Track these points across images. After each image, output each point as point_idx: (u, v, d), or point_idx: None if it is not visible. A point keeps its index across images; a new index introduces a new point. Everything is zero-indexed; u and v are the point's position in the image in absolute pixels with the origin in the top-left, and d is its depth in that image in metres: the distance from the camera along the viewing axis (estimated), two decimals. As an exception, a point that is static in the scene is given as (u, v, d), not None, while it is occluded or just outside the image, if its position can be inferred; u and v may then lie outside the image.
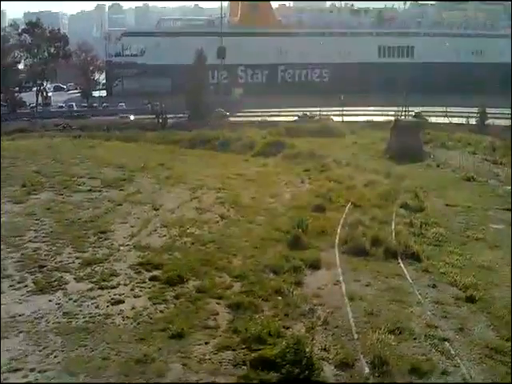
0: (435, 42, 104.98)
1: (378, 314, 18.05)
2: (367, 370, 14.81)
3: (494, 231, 27.01)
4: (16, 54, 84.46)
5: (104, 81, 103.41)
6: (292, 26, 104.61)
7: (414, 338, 16.66)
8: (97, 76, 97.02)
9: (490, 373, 15.22)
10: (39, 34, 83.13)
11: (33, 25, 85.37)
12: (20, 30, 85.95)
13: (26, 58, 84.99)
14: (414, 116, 62.55)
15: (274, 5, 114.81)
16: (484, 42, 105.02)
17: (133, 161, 37.85)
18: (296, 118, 71.83)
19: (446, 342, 16.51)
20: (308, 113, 74.53)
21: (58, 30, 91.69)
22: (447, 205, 31.51)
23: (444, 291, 20.18)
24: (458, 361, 15.55)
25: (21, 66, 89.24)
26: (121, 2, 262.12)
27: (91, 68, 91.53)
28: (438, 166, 43.39)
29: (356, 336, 16.54)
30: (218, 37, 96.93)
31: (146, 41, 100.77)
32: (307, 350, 14.77)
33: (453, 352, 16.00)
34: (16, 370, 14.41)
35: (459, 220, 28.83)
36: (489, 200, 33.10)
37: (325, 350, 15.78)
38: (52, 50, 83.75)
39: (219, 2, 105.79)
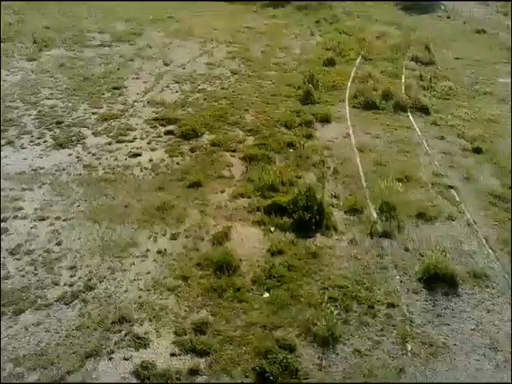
0: None
1: (387, 163, 18.69)
2: (375, 215, 15.64)
3: (503, 85, 27.03)
4: None
5: None
6: None
7: (421, 187, 17.39)
8: None
9: (493, 218, 16.01)
10: None
11: None
12: None
13: None
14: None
15: None
16: None
17: (141, 13, 37.17)
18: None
19: (452, 190, 17.28)
20: None
21: None
22: (457, 58, 31.28)
23: (452, 142, 20.68)
24: (463, 207, 16.33)
25: None
26: None
27: None
28: (449, 18, 42.44)
29: (365, 184, 17.27)
30: None
31: None
32: (318, 197, 15.56)
33: (458, 199, 16.79)
34: (42, 219, 15.23)
35: (468, 73, 28.74)
36: (498, 53, 32.77)
37: (335, 197, 16.55)
38: None
39: None
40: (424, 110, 23.26)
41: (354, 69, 28.32)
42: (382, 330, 11.75)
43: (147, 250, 14.08)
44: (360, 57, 30.34)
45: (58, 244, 14.26)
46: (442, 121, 22.49)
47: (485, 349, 11.38)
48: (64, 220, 15.26)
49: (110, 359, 10.88)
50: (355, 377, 10.63)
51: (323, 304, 12.25)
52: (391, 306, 12.41)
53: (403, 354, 11.16)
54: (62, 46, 30.03)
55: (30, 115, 21.59)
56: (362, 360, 10.99)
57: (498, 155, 19.64)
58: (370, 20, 39.53)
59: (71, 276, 13.13)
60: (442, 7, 45.50)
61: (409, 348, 11.31)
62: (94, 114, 21.96)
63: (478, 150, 19.94)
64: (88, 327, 11.59)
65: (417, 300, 12.69)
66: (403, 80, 26.65)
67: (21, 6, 37.30)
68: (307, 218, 15.01)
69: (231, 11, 40.27)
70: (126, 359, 10.90)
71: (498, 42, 35.34)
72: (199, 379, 10.51)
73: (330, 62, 29.06)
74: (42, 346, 11.08)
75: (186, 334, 11.46)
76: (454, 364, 11.00)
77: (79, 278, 13.07)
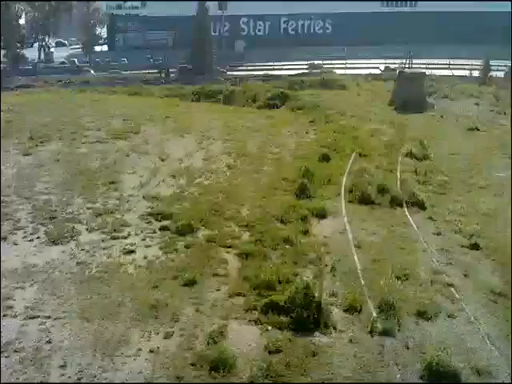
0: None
1: (385, 261, 18.44)
2: (374, 314, 15.26)
3: (498, 179, 27.17)
4: (17, 8, 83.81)
5: (105, 35, 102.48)
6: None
7: (420, 284, 17.08)
8: (98, 30, 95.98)
9: (494, 315, 15.62)
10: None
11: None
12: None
13: (27, 12, 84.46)
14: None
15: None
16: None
17: (138, 113, 37.87)
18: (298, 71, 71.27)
19: (452, 288, 16.94)
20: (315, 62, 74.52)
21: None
22: (451, 154, 31.64)
23: (449, 238, 20.54)
24: (464, 305, 15.97)
25: (22, 21, 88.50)
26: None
27: (92, 21, 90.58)
28: (442, 117, 43.29)
29: (363, 282, 16.95)
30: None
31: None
32: (316, 295, 15.23)
33: (458, 296, 16.45)
34: (33, 318, 14.80)
35: (463, 168, 29.00)
36: (492, 149, 33.21)
37: (333, 295, 16.19)
38: (53, 3, 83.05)
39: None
40: (420, 205, 23.23)
41: (349, 164, 28.49)
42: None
43: (139, 349, 13.62)
44: (354, 153, 30.60)
45: (49, 342, 13.82)
46: (439, 216, 22.42)
47: None
48: (55, 319, 14.84)
49: None
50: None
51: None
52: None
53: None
54: (59, 141, 30.32)
55: (23, 209, 21.54)
56: None
57: (497, 252, 19.37)
58: (363, 119, 40.32)
59: (61, 375, 12.64)
60: (434, 107, 46.55)
61: None
62: (88, 208, 21.91)
63: (475, 247, 19.70)
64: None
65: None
66: (398, 175, 26.77)
67: (21, 105, 38.19)
68: (305, 317, 14.63)
69: (228, 113, 41.24)
70: None
71: (490, 139, 35.84)
72: None
73: (325, 158, 29.34)
74: None
75: None
76: None
77: (69, 377, 12.58)
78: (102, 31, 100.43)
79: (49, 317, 14.92)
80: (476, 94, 53.30)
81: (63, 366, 12.93)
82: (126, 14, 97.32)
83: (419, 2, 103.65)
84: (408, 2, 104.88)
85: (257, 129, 35.83)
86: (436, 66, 69.60)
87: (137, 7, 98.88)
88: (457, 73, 68.58)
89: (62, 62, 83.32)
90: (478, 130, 38.48)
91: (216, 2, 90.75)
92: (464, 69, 68.62)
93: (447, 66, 73.75)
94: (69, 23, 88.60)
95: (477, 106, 47.85)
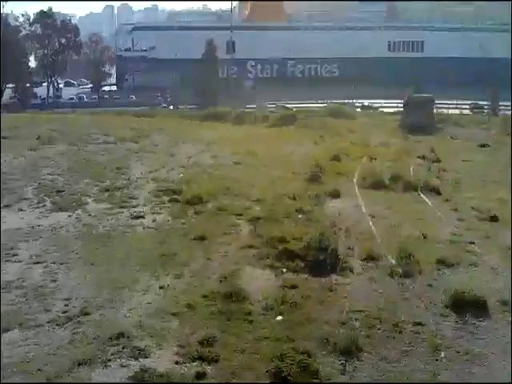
0: (445, 36, 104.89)
1: (401, 226, 17.87)
2: (393, 261, 14.61)
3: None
4: (27, 46, 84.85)
5: (114, 75, 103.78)
6: (302, 19, 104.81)
7: (440, 242, 16.47)
8: (107, 68, 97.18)
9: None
10: (50, 24, 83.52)
11: (44, 15, 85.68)
12: (31, 20, 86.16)
13: (37, 49, 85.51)
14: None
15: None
16: (491, 36, 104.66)
17: (148, 126, 37.71)
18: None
19: (473, 245, 16.33)
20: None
21: (70, 20, 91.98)
22: (464, 160, 31.16)
23: (467, 213, 19.90)
24: (485, 257, 15.33)
25: (31, 59, 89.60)
26: (129, 2, 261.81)
27: (102, 59, 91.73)
28: (452, 138, 42.88)
29: (379, 240, 16.33)
30: (228, 31, 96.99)
31: (156, 35, 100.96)
32: (331, 240, 14.64)
33: (479, 251, 15.82)
34: (37, 263, 14.27)
35: (476, 170, 28.48)
36: (504, 158, 32.72)
37: (349, 248, 15.56)
38: (63, 40, 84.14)
39: (228, 2, 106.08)
40: (435, 191, 22.60)
41: (361, 164, 28.01)
42: (410, 342, 10.47)
43: (149, 286, 12.99)
44: (366, 157, 30.14)
45: (53, 281, 13.21)
46: (455, 199, 21.74)
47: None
48: (61, 263, 14.25)
49: (106, 367, 9.62)
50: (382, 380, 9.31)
51: (343, 323, 11.02)
52: (418, 324, 11.18)
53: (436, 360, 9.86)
54: (66, 143, 30.03)
55: (29, 186, 21.09)
56: (390, 366, 9.67)
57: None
58: (373, 135, 39.91)
59: (65, 305, 11.99)
60: (444, 131, 46.21)
61: (442, 355, 10.01)
62: (96, 185, 21.48)
63: (494, 219, 19.04)
64: (81, 341, 10.38)
65: (445, 321, 11.46)
66: (411, 169, 26.31)
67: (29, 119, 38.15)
68: (321, 259, 13.98)
69: (237, 128, 41.03)
70: (123, 366, 9.63)
71: (502, 152, 35.35)
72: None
73: (337, 159, 28.84)
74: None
75: (190, 347, 10.19)
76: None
77: (73, 306, 11.93)
78: (112, 71, 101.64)
79: (54, 262, 14.35)
80: (485, 122, 53.06)
81: (68, 299, 12.30)
82: (135, 56, 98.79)
83: (426, 49, 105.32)
84: (415, 48, 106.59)
85: (265, 138, 35.39)
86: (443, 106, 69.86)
87: (145, 50, 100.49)
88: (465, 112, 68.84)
89: (71, 98, 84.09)
90: (489, 146, 38.00)
91: (224, 47, 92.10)
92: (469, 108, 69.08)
93: (455, 106, 74.20)
94: (78, 63, 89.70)
95: (487, 130, 47.48)
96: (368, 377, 9.46)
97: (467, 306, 11.86)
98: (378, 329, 11.00)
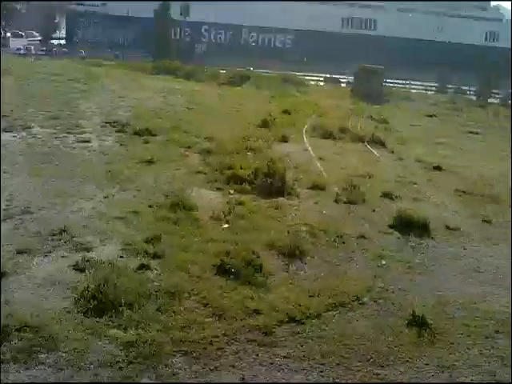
0: (399, 16, 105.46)
1: (347, 167, 18.07)
2: (338, 191, 14.79)
3: (456, 139, 27.26)
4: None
5: (65, 29, 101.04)
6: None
7: (384, 182, 16.73)
8: (58, 21, 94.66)
9: (460, 202, 15.51)
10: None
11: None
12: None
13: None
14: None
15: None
16: (446, 20, 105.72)
17: (98, 72, 36.95)
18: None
19: (416, 185, 16.69)
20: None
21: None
22: (411, 125, 31.65)
23: (411, 163, 20.27)
24: (428, 194, 15.72)
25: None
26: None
27: (52, 12, 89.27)
28: (400, 108, 43.43)
29: (326, 176, 16.49)
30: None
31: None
32: (280, 169, 14.73)
33: (421, 190, 16.19)
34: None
35: (423, 132, 28.97)
36: (451, 126, 33.42)
37: (296, 180, 15.67)
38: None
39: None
40: (381, 143, 22.91)
41: (310, 119, 28.12)
42: (353, 251, 10.66)
43: (94, 195, 12.83)
44: (316, 115, 30.25)
45: (-7, 188, 12.89)
46: (399, 151, 22.11)
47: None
48: (4, 172, 13.86)
49: (46, 256, 9.48)
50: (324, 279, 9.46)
51: (288, 231, 11.13)
52: (362, 237, 11.39)
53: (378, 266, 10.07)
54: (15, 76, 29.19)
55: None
56: (332, 267, 9.82)
57: (458, 173, 19.20)
58: (324, 97, 40.12)
59: (7, 206, 11.71)
60: (390, 102, 46.83)
61: (383, 262, 10.22)
62: (41, 114, 20.98)
63: (438, 168, 19.46)
64: (23, 235, 10.20)
65: (388, 238, 11.72)
66: (359, 125, 26.58)
67: None
68: (268, 184, 14.06)
69: (188, 83, 40.55)
70: (64, 257, 9.51)
71: (449, 121, 36.05)
72: (150, 274, 9.16)
73: (287, 112, 28.91)
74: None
75: (135, 244, 10.12)
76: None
77: (15, 206, 11.68)
78: (63, 24, 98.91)
79: (-4, 171, 13.96)
80: (433, 98, 53.98)
81: (10, 200, 12.00)
82: (86, 10, 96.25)
83: (379, 27, 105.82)
84: (368, 26, 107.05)
85: (216, 95, 35.09)
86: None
87: (97, 5, 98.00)
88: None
89: (18, 49, 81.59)
90: (436, 116, 38.63)
91: (178, 9, 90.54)
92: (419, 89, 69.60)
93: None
94: (28, 14, 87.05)
95: (435, 105, 48.25)
96: (311, 275, 9.57)
97: (410, 227, 12.13)
98: (322, 238, 11.13)
